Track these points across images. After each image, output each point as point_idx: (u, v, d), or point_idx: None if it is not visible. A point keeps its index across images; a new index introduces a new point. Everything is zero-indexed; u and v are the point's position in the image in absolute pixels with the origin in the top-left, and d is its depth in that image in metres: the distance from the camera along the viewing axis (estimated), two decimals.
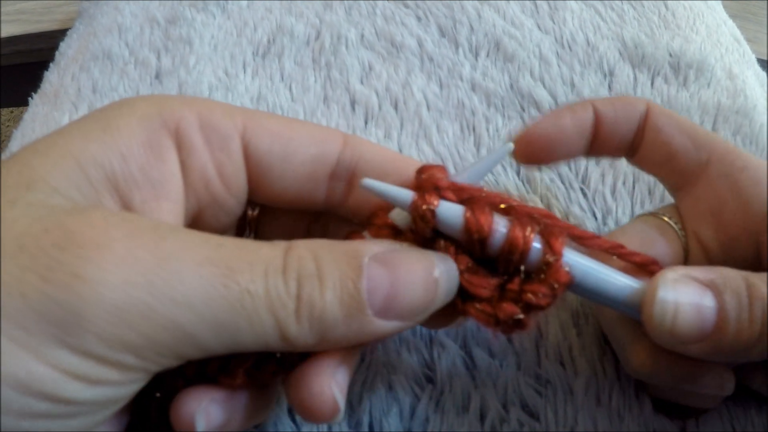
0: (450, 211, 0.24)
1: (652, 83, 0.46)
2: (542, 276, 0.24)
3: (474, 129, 0.43)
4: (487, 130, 0.43)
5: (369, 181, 0.24)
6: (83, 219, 0.20)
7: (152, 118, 0.24)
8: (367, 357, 0.31)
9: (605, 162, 0.40)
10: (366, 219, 0.26)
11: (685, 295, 0.24)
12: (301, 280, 0.21)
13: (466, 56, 0.49)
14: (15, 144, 0.47)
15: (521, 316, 0.24)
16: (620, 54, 0.48)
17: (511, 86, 0.46)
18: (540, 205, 0.38)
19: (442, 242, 0.24)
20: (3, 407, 0.18)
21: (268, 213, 0.29)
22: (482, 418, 0.30)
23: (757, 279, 0.24)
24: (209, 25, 0.53)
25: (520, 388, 0.30)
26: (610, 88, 0.46)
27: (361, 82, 0.47)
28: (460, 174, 0.26)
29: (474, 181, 0.26)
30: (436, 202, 0.24)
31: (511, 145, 0.27)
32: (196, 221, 0.26)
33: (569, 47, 0.49)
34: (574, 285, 0.25)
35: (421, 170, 0.25)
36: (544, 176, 0.39)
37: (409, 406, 0.30)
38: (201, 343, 0.20)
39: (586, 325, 0.33)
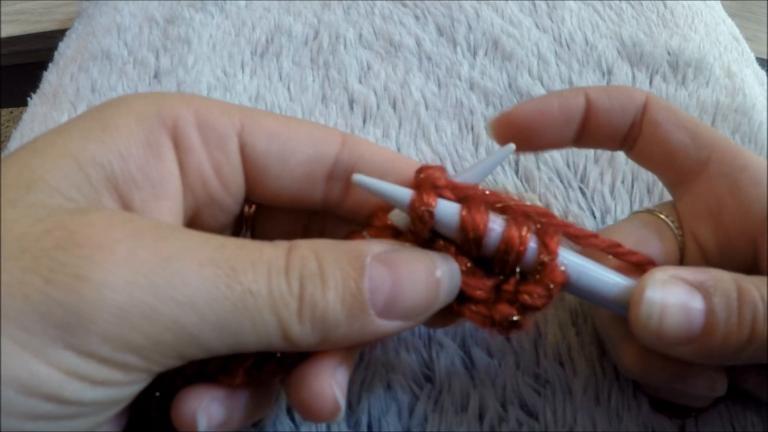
0: (446, 210, 0.24)
1: (650, 82, 0.46)
2: (537, 276, 0.24)
3: (472, 128, 0.43)
4: (486, 129, 0.43)
5: (360, 177, 0.24)
6: (85, 220, 0.20)
7: (150, 116, 0.24)
8: (365, 356, 0.31)
9: (604, 161, 0.40)
10: (365, 219, 0.26)
11: (673, 296, 0.24)
12: (304, 280, 0.21)
13: (465, 55, 0.48)
14: (14, 144, 0.47)
15: (517, 317, 0.24)
16: (619, 53, 0.48)
17: (510, 85, 0.46)
18: (539, 204, 0.38)
19: (441, 243, 0.24)
20: (6, 409, 0.18)
21: (265, 211, 0.29)
22: (481, 417, 0.30)
23: (749, 282, 0.24)
24: (207, 24, 0.53)
25: (518, 388, 0.30)
26: None
27: (360, 82, 0.47)
28: (460, 175, 0.26)
29: (474, 182, 0.26)
30: (434, 201, 0.24)
31: (513, 147, 0.26)
32: (193, 220, 0.26)
33: (567, 46, 0.49)
34: (569, 285, 0.25)
35: (420, 170, 0.25)
36: (543, 175, 0.39)
37: (407, 406, 0.30)
38: (204, 343, 0.20)
39: (584, 324, 0.33)
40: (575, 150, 0.41)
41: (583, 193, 0.39)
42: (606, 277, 0.25)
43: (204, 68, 0.49)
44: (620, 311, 0.25)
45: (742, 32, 0.56)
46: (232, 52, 0.50)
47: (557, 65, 0.47)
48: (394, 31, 0.51)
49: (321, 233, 0.29)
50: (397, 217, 0.25)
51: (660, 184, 0.38)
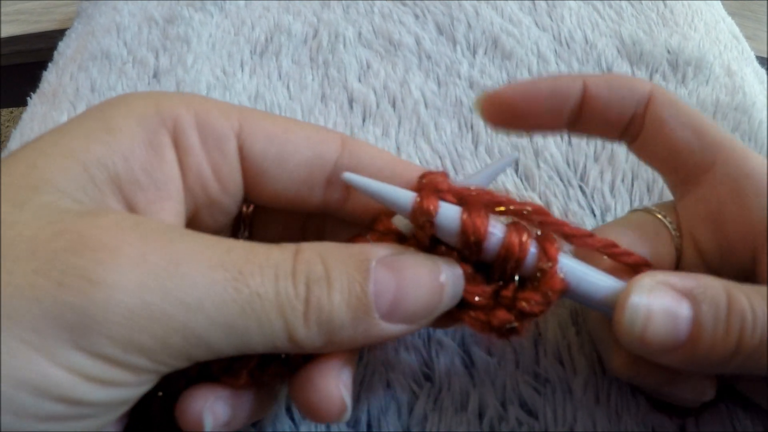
0: (448, 212, 0.24)
1: (650, 80, 0.46)
2: (536, 283, 0.24)
3: (472, 127, 0.43)
4: (485, 127, 0.43)
5: (350, 176, 0.24)
6: (94, 222, 0.20)
7: (151, 116, 0.24)
8: (365, 356, 0.31)
9: (604, 159, 0.40)
10: (369, 224, 0.26)
11: (659, 303, 0.23)
12: (310, 283, 0.21)
13: (464, 54, 0.48)
14: (14, 144, 0.47)
15: (515, 324, 0.24)
16: (618, 51, 0.48)
17: (510, 83, 0.46)
18: (539, 203, 0.38)
19: (443, 248, 0.24)
20: (18, 410, 0.18)
21: (263, 210, 0.29)
22: (481, 416, 0.30)
23: (740, 291, 0.23)
24: (207, 24, 0.53)
25: (518, 387, 0.30)
26: None
27: (359, 81, 0.47)
28: (463, 181, 0.26)
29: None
30: (435, 204, 0.24)
31: (517, 155, 0.27)
32: (192, 220, 0.26)
33: (567, 45, 0.49)
34: (568, 291, 0.25)
35: (423, 175, 0.25)
36: (543, 173, 0.39)
37: (407, 405, 0.30)
38: (211, 345, 0.20)
39: (585, 323, 0.32)
40: (575, 148, 0.41)
41: (583, 192, 0.39)
42: (605, 284, 0.25)
43: (203, 67, 0.49)
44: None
45: (741, 31, 0.56)
46: (232, 51, 0.50)
47: (557, 64, 0.47)
48: (393, 29, 0.51)
49: (319, 233, 0.29)
50: (402, 222, 0.25)
51: (660, 183, 0.38)
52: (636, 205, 0.38)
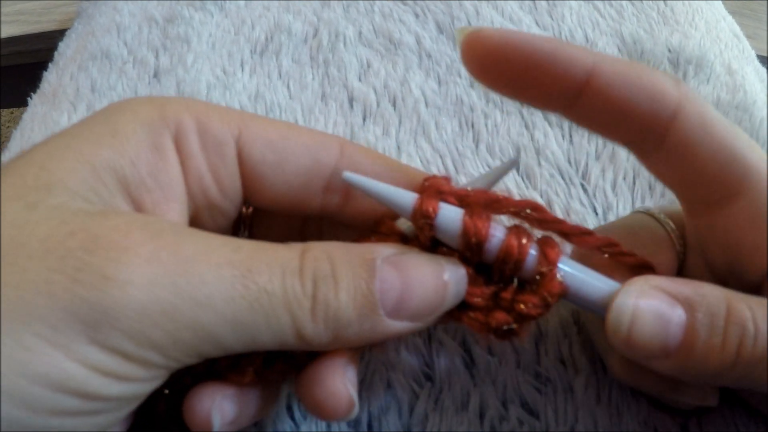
0: (449, 214, 0.24)
1: None
2: (535, 286, 0.24)
3: (473, 125, 0.43)
4: (486, 126, 0.43)
5: (350, 175, 0.24)
6: (106, 222, 0.20)
7: (155, 121, 0.24)
8: (365, 355, 0.31)
9: (606, 157, 0.40)
10: (372, 226, 0.27)
11: (647, 304, 0.23)
12: (317, 280, 0.22)
13: None
14: (14, 144, 0.47)
15: (513, 325, 0.24)
16: (619, 50, 0.48)
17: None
18: (541, 201, 0.38)
19: (444, 250, 0.25)
20: (33, 405, 0.19)
21: (263, 211, 0.29)
22: (481, 416, 0.30)
23: (742, 301, 0.22)
24: (207, 23, 0.53)
25: (519, 386, 0.30)
26: None
27: (359, 80, 0.47)
28: (467, 185, 0.26)
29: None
30: (436, 205, 0.24)
31: (519, 158, 0.26)
32: (193, 222, 0.26)
33: None
34: (568, 295, 0.24)
35: (427, 179, 0.26)
36: (544, 171, 0.39)
37: (407, 404, 0.30)
38: (221, 341, 0.21)
39: (585, 325, 0.32)
40: (576, 146, 0.40)
41: (585, 190, 0.39)
42: (605, 289, 0.24)
43: (203, 67, 0.49)
44: None
45: (742, 30, 0.56)
46: (232, 50, 0.50)
47: None
48: (393, 28, 0.51)
49: (319, 234, 0.30)
50: (405, 224, 0.25)
51: None
52: (638, 202, 0.38)
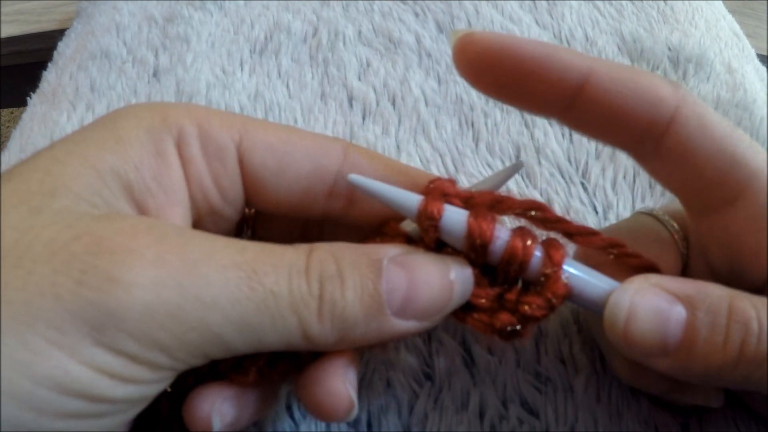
0: (454, 215, 0.24)
1: None
2: (539, 287, 0.24)
3: (473, 124, 0.43)
4: (486, 125, 0.43)
5: (356, 178, 0.24)
6: (111, 225, 0.21)
7: (158, 127, 0.24)
8: (365, 355, 0.31)
9: (606, 156, 0.40)
10: (377, 228, 0.27)
11: (645, 301, 0.22)
12: (323, 280, 0.22)
13: None
14: (14, 143, 0.47)
15: (518, 327, 0.24)
16: (619, 49, 0.48)
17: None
18: (541, 200, 0.38)
19: (449, 251, 0.25)
20: (39, 407, 0.19)
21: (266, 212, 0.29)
22: (481, 415, 0.29)
23: (746, 300, 0.22)
24: (206, 22, 0.53)
25: (519, 386, 0.30)
26: None
27: (359, 79, 0.47)
28: (472, 188, 0.26)
29: None
30: (441, 206, 0.24)
31: (523, 161, 0.26)
32: (196, 227, 0.26)
33: (568, 42, 0.48)
34: (572, 297, 0.24)
35: (432, 181, 0.26)
36: (544, 170, 0.39)
37: (407, 404, 0.30)
38: (227, 342, 0.21)
39: (586, 323, 0.32)
40: (576, 145, 0.40)
41: (585, 189, 0.39)
42: (610, 290, 0.24)
43: (203, 66, 0.49)
44: None
45: (742, 29, 0.55)
46: (231, 50, 0.50)
47: None
48: (393, 27, 0.50)
49: (321, 233, 0.30)
50: (411, 226, 0.25)
51: None
52: (638, 201, 0.38)
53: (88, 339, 0.19)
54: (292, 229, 0.30)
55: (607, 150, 0.40)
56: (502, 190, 0.27)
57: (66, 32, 0.60)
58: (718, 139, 0.23)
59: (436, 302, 0.23)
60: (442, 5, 0.52)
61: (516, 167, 0.28)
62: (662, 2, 0.52)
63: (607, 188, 0.38)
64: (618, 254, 0.26)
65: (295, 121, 0.44)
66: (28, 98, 0.52)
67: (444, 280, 0.23)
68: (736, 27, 0.55)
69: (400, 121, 0.43)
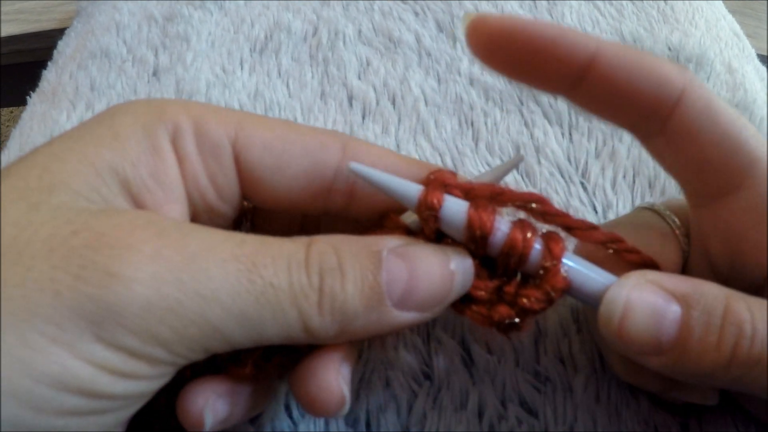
0: (455, 206, 0.24)
1: None
2: (538, 280, 0.24)
3: (472, 123, 0.43)
4: (486, 124, 0.43)
5: (357, 166, 0.24)
6: (111, 222, 0.20)
7: (154, 123, 0.24)
8: (364, 354, 0.31)
9: (605, 155, 0.40)
10: (377, 221, 0.27)
11: (641, 298, 0.22)
12: (323, 273, 0.22)
13: (464, 51, 0.48)
14: (13, 143, 0.47)
15: (516, 319, 0.24)
16: None
17: (510, 80, 0.46)
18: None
19: (449, 241, 0.25)
20: (38, 405, 0.18)
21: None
22: (480, 415, 0.29)
23: (742, 301, 0.22)
24: (206, 21, 0.53)
25: (518, 385, 0.30)
26: None
27: (359, 78, 0.47)
28: (472, 181, 0.26)
29: None
30: (442, 196, 0.24)
31: (523, 155, 0.26)
32: (193, 222, 0.26)
33: None
34: (571, 290, 0.24)
35: (432, 173, 0.26)
36: (544, 170, 0.39)
37: (406, 403, 0.30)
38: (227, 336, 0.21)
39: (585, 321, 0.32)
40: (576, 144, 0.40)
41: (585, 188, 0.38)
42: (609, 285, 0.24)
43: (203, 65, 0.49)
44: None
45: (742, 29, 0.55)
46: (231, 49, 0.50)
47: None
48: (393, 27, 0.50)
49: (319, 227, 0.30)
50: (411, 218, 0.25)
51: (662, 180, 0.38)
52: (638, 201, 0.38)
53: (87, 334, 0.19)
54: (291, 222, 0.30)
55: (606, 149, 0.40)
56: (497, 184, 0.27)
57: (66, 31, 0.60)
58: (723, 124, 0.23)
59: (437, 293, 0.23)
60: (442, 5, 0.52)
61: (516, 161, 0.28)
62: (662, 2, 0.52)
63: (607, 188, 0.38)
64: (617, 249, 0.25)
65: (295, 120, 0.44)
66: (27, 97, 0.52)
67: (444, 271, 0.23)
68: (737, 27, 0.55)
69: (399, 121, 0.43)
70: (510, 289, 0.25)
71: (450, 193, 0.24)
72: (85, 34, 0.56)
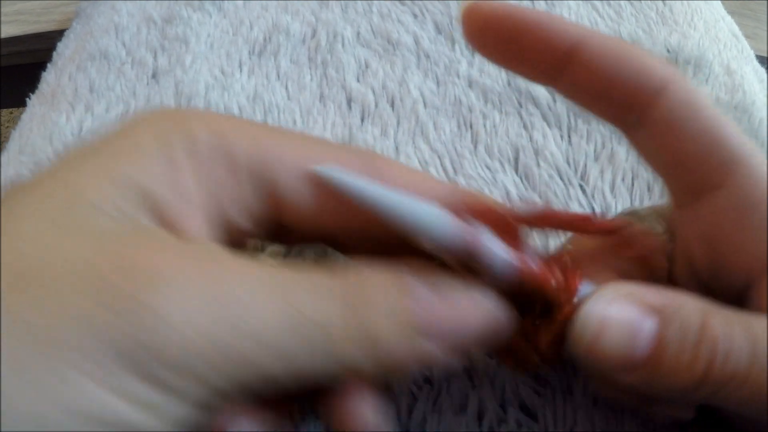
0: (499, 253, 0.23)
1: None
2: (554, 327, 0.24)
3: (471, 126, 0.43)
4: (485, 126, 0.43)
5: (323, 170, 0.23)
6: (138, 244, 0.20)
7: (173, 136, 0.23)
8: None
9: (604, 158, 0.40)
10: (403, 243, 0.26)
11: (618, 312, 0.21)
12: (357, 306, 0.21)
13: (463, 53, 0.48)
14: (13, 144, 0.47)
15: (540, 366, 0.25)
16: None
17: (509, 83, 0.46)
18: (538, 202, 0.38)
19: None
20: None
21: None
22: (480, 418, 0.29)
23: (720, 317, 0.21)
24: (205, 23, 0.53)
25: (518, 388, 0.30)
26: None
27: (358, 80, 0.47)
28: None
29: None
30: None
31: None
32: (214, 236, 0.26)
33: None
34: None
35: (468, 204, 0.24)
36: (543, 172, 0.39)
37: (406, 407, 0.30)
38: (265, 371, 0.20)
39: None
40: (575, 147, 0.40)
41: (584, 191, 0.39)
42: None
43: (202, 68, 0.49)
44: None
45: (741, 30, 0.55)
46: (230, 51, 0.50)
47: None
48: (392, 29, 0.50)
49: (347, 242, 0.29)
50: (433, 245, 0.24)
51: (660, 182, 0.38)
52: (636, 204, 0.38)
53: (121, 369, 0.18)
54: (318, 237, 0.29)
55: (605, 152, 0.40)
56: (503, 194, 0.27)
57: (65, 33, 0.60)
58: (705, 119, 0.23)
59: (473, 331, 0.23)
60: (441, 6, 0.52)
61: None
62: (661, 3, 0.52)
63: (606, 190, 0.38)
64: (614, 245, 0.25)
65: (294, 122, 0.44)
66: (27, 99, 0.52)
67: (480, 308, 0.23)
68: (735, 28, 0.55)
69: (398, 123, 0.43)
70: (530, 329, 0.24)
71: (474, 217, 0.23)
72: (84, 35, 0.56)
